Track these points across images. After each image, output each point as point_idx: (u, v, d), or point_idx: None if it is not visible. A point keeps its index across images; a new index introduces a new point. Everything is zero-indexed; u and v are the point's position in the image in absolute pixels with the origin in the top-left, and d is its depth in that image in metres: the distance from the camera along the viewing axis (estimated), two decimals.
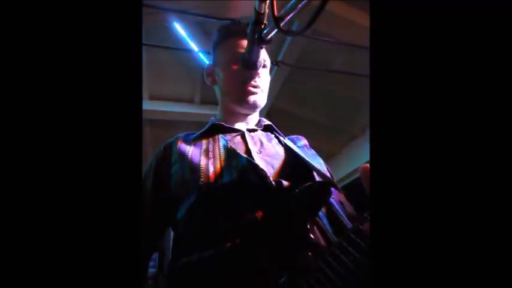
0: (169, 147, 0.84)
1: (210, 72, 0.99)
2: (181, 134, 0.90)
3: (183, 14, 2.56)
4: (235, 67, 0.89)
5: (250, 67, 0.82)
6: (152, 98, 3.75)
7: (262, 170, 0.67)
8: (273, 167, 0.73)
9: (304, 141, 0.96)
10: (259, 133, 0.89)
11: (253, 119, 0.96)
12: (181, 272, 0.64)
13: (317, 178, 0.72)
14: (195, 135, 0.87)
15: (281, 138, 0.88)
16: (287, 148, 0.82)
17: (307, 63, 3.24)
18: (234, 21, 0.94)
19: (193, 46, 2.88)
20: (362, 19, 2.65)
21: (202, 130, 0.88)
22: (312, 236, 0.60)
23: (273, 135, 0.90)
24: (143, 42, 2.44)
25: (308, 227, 0.61)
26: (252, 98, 0.88)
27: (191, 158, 0.76)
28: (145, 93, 3.64)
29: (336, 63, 3.17)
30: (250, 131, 0.88)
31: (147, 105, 3.66)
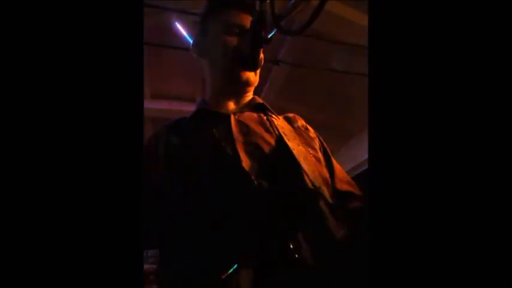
0: (156, 139, 0.80)
1: (198, 43, 0.90)
2: (170, 122, 0.85)
3: (184, 14, 2.56)
4: (229, 39, 0.82)
5: (250, 66, 0.81)
6: (154, 96, 3.76)
7: (246, 171, 0.65)
8: (257, 159, 0.68)
9: (300, 122, 0.89)
10: (248, 115, 0.81)
11: (245, 98, 0.88)
12: (171, 272, 0.64)
13: (307, 180, 0.68)
14: (182, 122, 0.83)
15: (274, 120, 0.81)
16: (278, 134, 0.76)
17: (307, 62, 3.25)
18: None
19: None
20: (360, 19, 2.65)
21: (189, 116, 0.84)
22: (292, 248, 0.58)
23: (265, 117, 0.82)
24: (145, 41, 2.43)
25: (290, 237, 0.60)
26: (244, 76, 0.82)
27: (176, 152, 0.73)
28: (147, 92, 3.64)
29: (335, 62, 3.17)
30: (239, 114, 0.81)
31: (149, 103, 3.67)
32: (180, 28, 2.78)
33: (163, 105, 3.80)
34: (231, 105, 0.85)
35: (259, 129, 0.76)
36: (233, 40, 0.82)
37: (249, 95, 0.89)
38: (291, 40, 3.06)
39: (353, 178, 0.85)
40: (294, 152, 0.71)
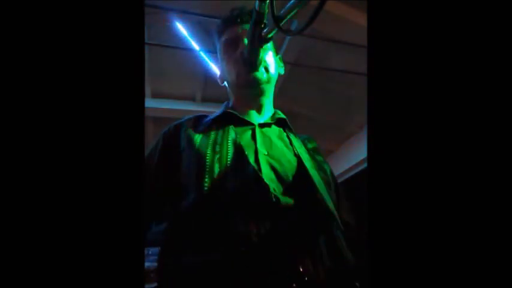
0: (179, 130, 0.82)
1: (219, 72, 0.96)
2: (192, 116, 0.87)
3: (184, 14, 2.57)
4: (231, 51, 0.86)
5: (251, 66, 0.82)
6: (155, 95, 3.78)
7: (265, 183, 0.65)
8: (277, 173, 0.70)
9: (314, 144, 0.92)
10: (271, 129, 0.84)
11: (267, 107, 0.89)
12: (170, 271, 0.64)
13: (322, 202, 0.69)
14: (206, 120, 0.84)
15: (292, 138, 0.83)
16: (296, 154, 0.78)
17: (306, 61, 3.25)
18: (225, 16, 0.91)
19: (195, 45, 2.89)
20: (359, 18, 2.66)
21: (214, 116, 0.85)
22: (301, 266, 0.59)
23: (284, 134, 0.85)
24: (146, 41, 2.47)
25: (300, 255, 0.60)
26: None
27: (198, 149, 0.73)
28: (148, 91, 3.66)
29: (334, 61, 3.18)
30: (262, 125, 0.83)
31: (150, 102, 3.69)
32: (181, 28, 2.79)
33: (164, 104, 3.83)
34: (254, 116, 0.86)
35: (280, 145, 0.79)
36: (236, 50, 0.85)
37: (270, 104, 0.91)
38: (290, 39, 3.07)
39: (352, 177, 0.86)
40: (311, 174, 0.72)
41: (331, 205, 0.70)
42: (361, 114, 3.76)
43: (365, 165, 3.96)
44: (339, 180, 0.88)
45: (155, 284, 0.62)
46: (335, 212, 0.70)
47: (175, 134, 0.81)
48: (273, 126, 0.85)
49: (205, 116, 0.87)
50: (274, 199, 0.64)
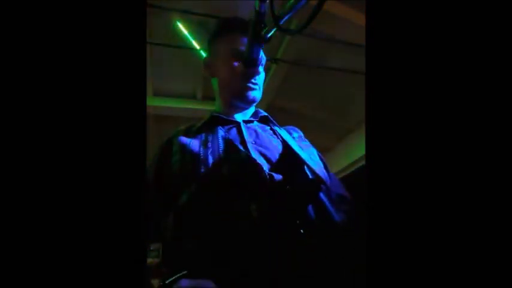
0: (171, 139, 0.87)
1: (209, 64, 0.99)
2: (183, 127, 0.92)
3: (185, 14, 2.57)
4: (236, 63, 0.89)
5: (251, 65, 0.83)
6: (156, 94, 3.79)
7: (258, 163, 0.70)
8: (266, 157, 0.75)
9: (299, 133, 0.98)
10: (255, 124, 0.91)
11: (250, 110, 0.98)
12: (176, 259, 0.66)
13: (308, 172, 0.75)
14: (196, 127, 0.89)
15: (276, 129, 0.90)
16: (281, 140, 0.84)
17: (305, 60, 3.25)
18: (235, 17, 0.94)
19: (196, 44, 2.89)
20: (358, 18, 2.66)
21: (202, 122, 0.90)
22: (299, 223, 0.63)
23: (268, 127, 0.92)
24: (147, 40, 2.47)
25: (297, 221, 0.64)
26: (251, 94, 0.90)
27: (191, 149, 0.78)
28: (149, 90, 3.66)
29: (333, 60, 3.18)
30: (246, 122, 0.90)
31: (152, 101, 3.70)
32: (182, 27, 2.79)
33: (165, 103, 3.84)
34: (239, 117, 0.92)
35: (265, 135, 0.85)
36: (240, 65, 0.88)
37: (253, 107, 0.98)
38: (290, 39, 3.07)
39: (351, 174, 0.88)
40: (296, 151, 0.78)
41: (321, 174, 0.75)
42: (360, 112, 3.77)
43: (364, 162, 3.96)
44: (338, 178, 0.90)
45: (157, 280, 0.63)
46: (326, 179, 0.75)
47: (168, 145, 0.86)
48: (257, 122, 0.93)
49: (194, 124, 0.92)
50: (268, 177, 0.68)
